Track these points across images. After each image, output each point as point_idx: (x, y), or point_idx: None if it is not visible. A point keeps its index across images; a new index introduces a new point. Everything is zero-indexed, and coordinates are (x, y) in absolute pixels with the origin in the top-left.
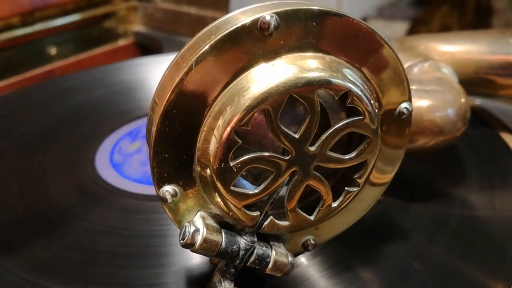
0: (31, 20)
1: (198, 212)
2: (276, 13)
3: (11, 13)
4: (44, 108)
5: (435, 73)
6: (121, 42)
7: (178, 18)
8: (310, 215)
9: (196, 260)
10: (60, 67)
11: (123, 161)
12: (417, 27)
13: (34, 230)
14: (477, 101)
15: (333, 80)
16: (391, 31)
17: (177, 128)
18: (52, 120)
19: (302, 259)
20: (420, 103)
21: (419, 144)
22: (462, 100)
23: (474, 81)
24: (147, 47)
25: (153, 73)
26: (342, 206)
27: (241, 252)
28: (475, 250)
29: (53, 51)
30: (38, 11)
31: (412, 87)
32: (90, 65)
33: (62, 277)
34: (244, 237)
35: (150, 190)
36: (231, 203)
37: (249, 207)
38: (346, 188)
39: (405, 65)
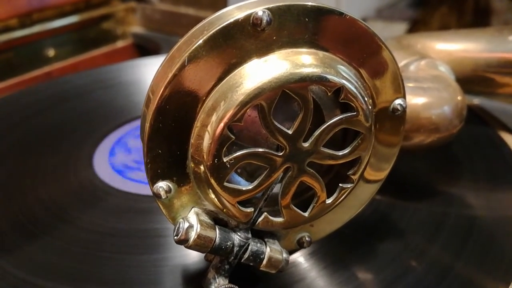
0: (29, 22)
1: (192, 209)
2: (268, 8)
3: (8, 15)
4: (42, 109)
5: (431, 71)
6: (120, 44)
7: (177, 19)
8: (305, 212)
9: (191, 257)
10: (58, 69)
11: (121, 161)
12: (416, 28)
13: (32, 231)
14: (476, 100)
15: (325, 75)
16: (390, 32)
17: (170, 124)
18: (51, 121)
19: (300, 258)
20: (416, 100)
21: (415, 142)
22: (459, 97)
23: (472, 79)
24: (145, 48)
25: (152, 74)
26: (337, 202)
27: (235, 249)
28: (473, 249)
29: (51, 53)
30: (36, 12)
31: (409, 84)
32: (89, 66)
33: (60, 277)
34: (238, 234)
35: (149, 190)
36: (225, 199)
37: (243, 203)
38: (340, 184)
39: (402, 63)
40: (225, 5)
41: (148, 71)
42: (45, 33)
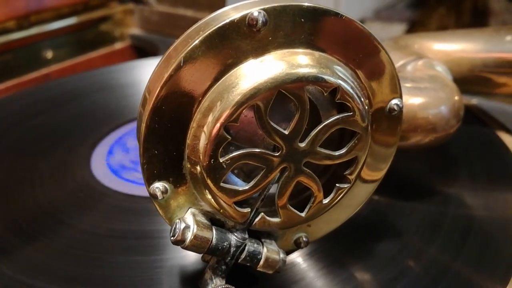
0: (26, 24)
1: (189, 209)
2: (264, 9)
3: (6, 17)
4: (40, 111)
5: (428, 71)
6: (118, 46)
7: (175, 21)
8: (302, 212)
9: (188, 258)
10: (56, 71)
11: (119, 162)
12: (414, 29)
13: (30, 232)
14: (474, 101)
15: (321, 76)
16: (388, 33)
17: (167, 125)
18: (49, 123)
19: (298, 258)
20: (413, 100)
21: (412, 142)
22: (456, 97)
23: (469, 79)
24: (143, 50)
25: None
26: (334, 202)
27: (232, 249)
28: (471, 249)
29: (49, 54)
30: (34, 14)
31: (406, 84)
32: (87, 68)
33: (57, 278)
34: (235, 234)
35: (146, 191)
36: (222, 199)
37: (240, 204)
38: (337, 184)
39: (399, 63)
40: (223, 6)
41: (146, 73)
42: (43, 35)
